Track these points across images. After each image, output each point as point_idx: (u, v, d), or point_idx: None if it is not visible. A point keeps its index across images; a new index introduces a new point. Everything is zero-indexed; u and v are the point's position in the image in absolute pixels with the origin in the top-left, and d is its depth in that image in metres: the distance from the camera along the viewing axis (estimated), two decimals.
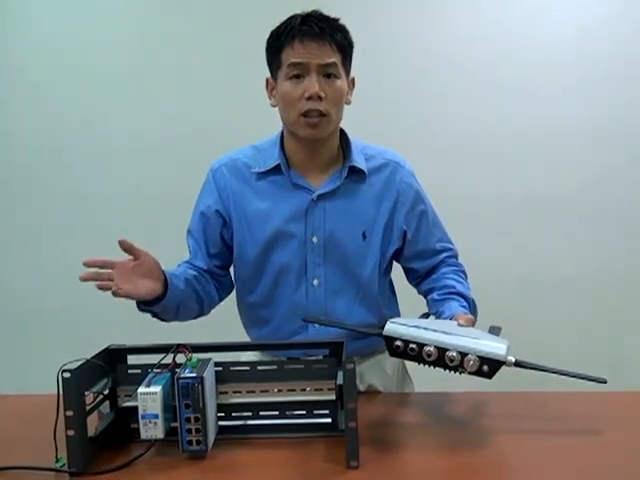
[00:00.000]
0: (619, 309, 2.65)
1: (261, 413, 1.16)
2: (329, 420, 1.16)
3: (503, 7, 2.63)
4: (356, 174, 1.38)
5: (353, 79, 1.39)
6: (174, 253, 2.74)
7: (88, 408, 1.07)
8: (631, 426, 1.20)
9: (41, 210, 2.79)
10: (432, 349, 1.08)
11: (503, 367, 1.07)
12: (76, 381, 1.01)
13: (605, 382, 1.12)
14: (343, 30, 1.31)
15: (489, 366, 1.06)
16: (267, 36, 1.34)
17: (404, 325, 1.13)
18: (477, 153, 2.65)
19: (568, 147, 2.65)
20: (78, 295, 2.74)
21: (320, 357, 1.20)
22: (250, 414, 1.17)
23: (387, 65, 2.63)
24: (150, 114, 2.73)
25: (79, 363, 1.04)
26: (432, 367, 1.11)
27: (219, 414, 1.15)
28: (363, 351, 1.43)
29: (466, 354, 1.07)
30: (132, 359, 1.18)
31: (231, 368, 1.16)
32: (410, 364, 1.55)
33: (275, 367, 1.17)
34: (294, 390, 1.16)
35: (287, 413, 1.16)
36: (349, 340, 1.18)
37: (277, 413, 1.16)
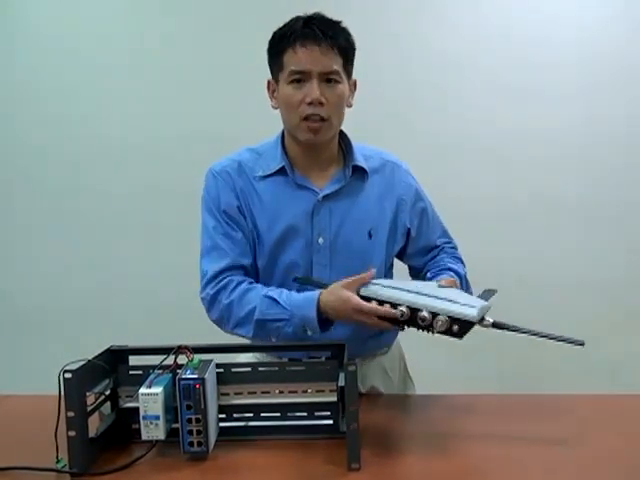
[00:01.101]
0: (619, 310, 2.64)
1: (262, 414, 1.16)
2: (330, 422, 1.16)
3: (504, 8, 2.63)
4: (358, 173, 1.39)
5: (355, 82, 1.38)
6: (174, 252, 2.75)
7: (89, 409, 1.07)
8: (630, 428, 1.20)
9: (42, 210, 2.78)
10: (404, 309, 1.10)
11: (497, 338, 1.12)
12: (77, 382, 1.01)
13: (582, 344, 1.15)
14: (345, 33, 1.31)
15: (459, 326, 1.08)
16: (268, 37, 1.34)
17: (380, 285, 1.15)
18: (478, 155, 2.64)
19: (569, 149, 2.64)
20: (80, 296, 2.75)
21: (322, 359, 1.20)
22: (251, 415, 1.16)
23: (387, 66, 2.62)
24: (150, 115, 2.72)
25: (80, 364, 1.04)
26: (406, 327, 1.14)
27: (220, 415, 1.15)
28: (365, 353, 1.43)
29: (437, 314, 1.09)
30: (133, 360, 1.19)
31: (232, 369, 1.16)
32: (411, 366, 1.56)
33: (276, 368, 1.17)
34: (295, 392, 1.15)
35: (288, 415, 1.16)
36: (351, 342, 1.18)
37: (278, 414, 1.16)
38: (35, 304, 2.77)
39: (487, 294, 1.24)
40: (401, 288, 1.15)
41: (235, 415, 1.16)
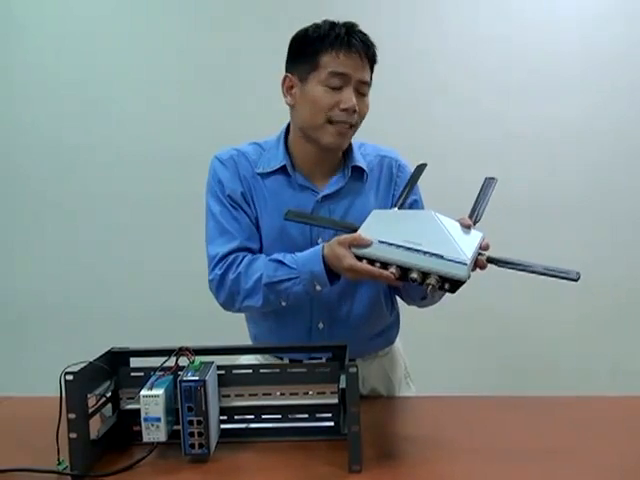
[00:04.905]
0: (619, 310, 2.64)
1: (263, 416, 1.16)
2: (332, 424, 1.16)
3: (506, 8, 2.64)
4: (357, 172, 1.39)
5: None
6: (175, 253, 2.74)
7: (91, 411, 1.07)
8: (630, 428, 1.20)
9: (43, 210, 2.78)
10: (394, 270, 1.09)
11: None
12: (79, 384, 1.01)
13: (576, 280, 1.13)
14: (375, 47, 1.33)
15: (450, 284, 1.07)
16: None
17: (371, 240, 1.12)
18: (478, 155, 2.64)
19: (569, 148, 2.65)
20: (81, 297, 2.75)
21: (323, 360, 1.20)
22: (252, 417, 1.16)
23: (387, 65, 2.62)
24: (150, 115, 2.72)
25: (82, 366, 1.04)
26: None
27: (221, 417, 1.15)
28: (366, 353, 1.43)
29: (427, 274, 1.07)
30: (135, 362, 1.19)
31: (234, 371, 1.16)
32: (412, 368, 1.56)
33: (278, 370, 1.17)
34: (297, 393, 1.15)
35: (289, 416, 1.16)
36: (352, 342, 1.18)
37: (279, 416, 1.16)
38: (36, 305, 2.76)
39: (489, 183, 1.27)
40: (391, 242, 1.11)
41: (236, 417, 1.16)
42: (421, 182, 1.46)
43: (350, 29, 1.29)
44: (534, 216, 2.66)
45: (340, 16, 1.33)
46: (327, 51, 1.27)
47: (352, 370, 1.01)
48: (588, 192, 2.66)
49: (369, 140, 1.46)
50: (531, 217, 2.65)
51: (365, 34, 1.31)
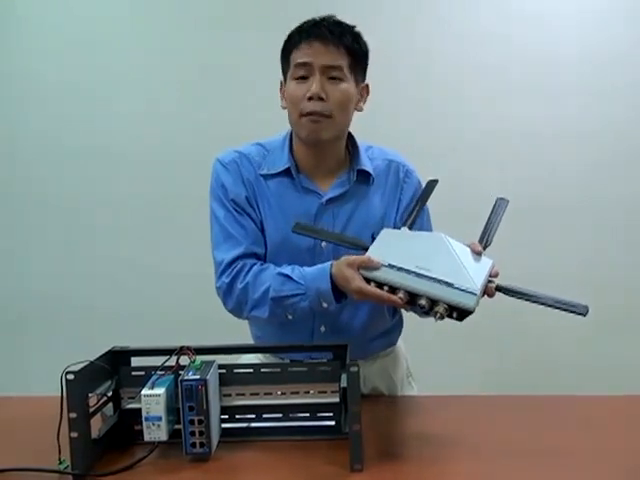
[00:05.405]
0: (619, 310, 2.64)
1: (264, 415, 1.16)
2: (333, 423, 1.16)
3: (506, 8, 2.64)
4: (362, 176, 1.38)
5: (367, 86, 1.38)
6: (175, 253, 2.74)
7: (92, 410, 1.07)
8: (630, 428, 1.20)
9: (43, 210, 2.78)
10: (403, 295, 1.08)
11: None
12: (80, 383, 1.01)
13: (584, 314, 1.11)
14: (355, 36, 1.31)
15: (458, 312, 1.07)
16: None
17: (381, 263, 1.12)
18: (479, 155, 2.64)
19: (568, 148, 2.65)
20: (81, 297, 2.75)
21: (324, 360, 1.20)
22: (253, 416, 1.16)
23: (389, 65, 2.62)
24: (150, 116, 2.72)
25: (83, 365, 1.04)
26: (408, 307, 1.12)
27: (222, 416, 1.15)
28: (368, 355, 1.43)
29: (436, 302, 1.07)
30: (136, 361, 1.18)
31: (235, 370, 1.16)
32: (413, 367, 1.56)
33: (279, 370, 1.17)
34: (298, 393, 1.15)
35: (290, 416, 1.16)
36: (355, 344, 1.18)
37: (281, 416, 1.16)
38: (36, 305, 2.76)
39: (500, 204, 1.28)
40: (400, 266, 1.10)
41: (237, 416, 1.16)
42: (423, 181, 1.47)
43: (320, 21, 1.28)
44: (534, 216, 2.65)
45: (340, 16, 1.33)
46: (294, 46, 1.29)
47: (353, 369, 1.01)
48: (588, 192, 2.66)
49: (368, 140, 1.45)
50: (531, 217, 2.65)
51: (339, 22, 1.29)
